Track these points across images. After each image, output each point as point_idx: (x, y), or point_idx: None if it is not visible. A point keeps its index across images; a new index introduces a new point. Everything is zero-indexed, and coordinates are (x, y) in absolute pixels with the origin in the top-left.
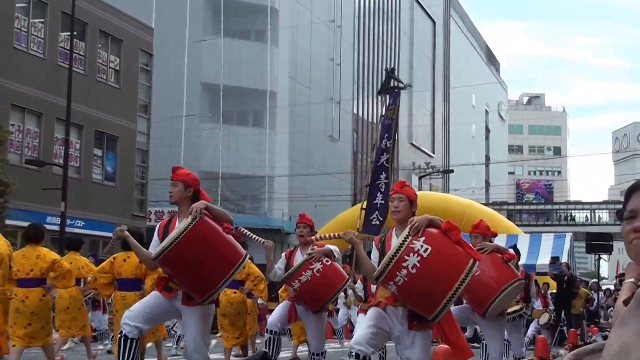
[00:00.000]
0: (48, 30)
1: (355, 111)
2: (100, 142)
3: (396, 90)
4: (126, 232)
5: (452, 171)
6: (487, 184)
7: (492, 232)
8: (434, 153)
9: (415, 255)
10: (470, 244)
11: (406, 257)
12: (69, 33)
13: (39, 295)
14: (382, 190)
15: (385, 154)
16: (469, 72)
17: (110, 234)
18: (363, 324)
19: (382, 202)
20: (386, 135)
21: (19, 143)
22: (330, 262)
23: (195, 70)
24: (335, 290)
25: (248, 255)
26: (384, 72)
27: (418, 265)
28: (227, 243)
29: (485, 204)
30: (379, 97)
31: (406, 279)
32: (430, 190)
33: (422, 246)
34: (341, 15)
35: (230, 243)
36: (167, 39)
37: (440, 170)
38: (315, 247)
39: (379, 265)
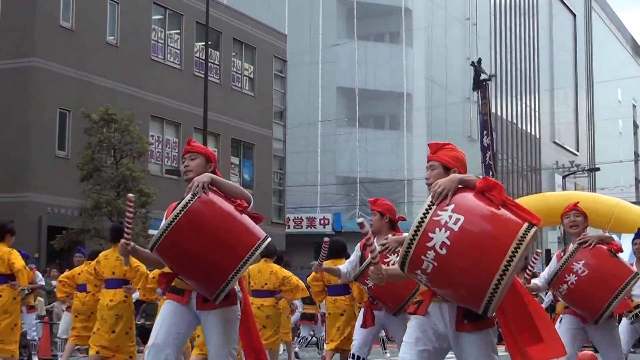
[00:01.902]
0: (184, 41)
1: (494, 110)
2: (237, 150)
3: (484, 84)
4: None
5: (598, 169)
6: (637, 181)
7: None
8: (578, 151)
9: (443, 230)
10: (524, 207)
11: (430, 235)
12: (203, 43)
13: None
14: None
15: (487, 152)
16: (614, 65)
17: None
18: (403, 348)
19: None
20: (484, 132)
21: (158, 154)
22: None
23: (329, 74)
24: (417, 286)
25: (269, 239)
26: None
27: (448, 243)
28: (238, 223)
29: (635, 203)
30: (517, 95)
31: (436, 264)
32: (576, 189)
33: (450, 217)
34: (477, 13)
35: (243, 223)
36: (301, 44)
37: (586, 168)
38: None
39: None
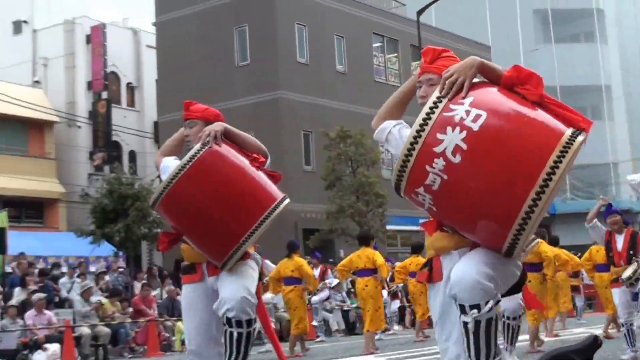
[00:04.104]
0: (401, 63)
1: None
2: None
3: None
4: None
5: None
6: None
7: None
8: None
9: (457, 129)
10: (568, 106)
11: (439, 137)
12: (419, 62)
13: None
14: None
15: None
16: None
17: None
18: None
19: None
20: None
21: (389, 160)
22: None
23: None
24: None
25: (287, 200)
26: None
27: (464, 146)
28: (254, 179)
29: None
30: None
31: (445, 177)
32: None
33: (468, 112)
34: None
35: (258, 180)
36: (503, 53)
37: None
38: None
39: None
